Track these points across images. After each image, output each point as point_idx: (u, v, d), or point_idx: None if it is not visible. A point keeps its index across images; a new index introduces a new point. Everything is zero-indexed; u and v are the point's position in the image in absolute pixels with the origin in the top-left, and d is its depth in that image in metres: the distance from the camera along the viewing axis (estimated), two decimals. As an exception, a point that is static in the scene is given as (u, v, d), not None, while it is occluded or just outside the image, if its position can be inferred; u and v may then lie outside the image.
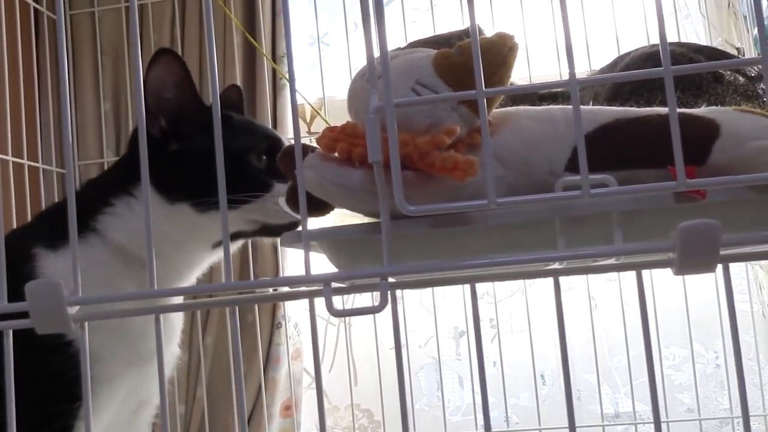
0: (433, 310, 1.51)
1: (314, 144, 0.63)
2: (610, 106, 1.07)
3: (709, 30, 1.54)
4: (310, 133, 1.64)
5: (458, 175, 0.50)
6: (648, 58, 1.06)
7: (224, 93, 0.98)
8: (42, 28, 1.51)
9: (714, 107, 0.61)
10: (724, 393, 1.61)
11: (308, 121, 1.65)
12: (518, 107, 0.63)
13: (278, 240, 1.52)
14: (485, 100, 0.52)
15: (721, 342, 1.49)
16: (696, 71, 0.73)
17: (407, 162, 0.53)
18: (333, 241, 0.58)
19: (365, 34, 0.53)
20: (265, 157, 0.83)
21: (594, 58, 1.55)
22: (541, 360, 1.57)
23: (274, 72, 1.55)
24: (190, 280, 0.83)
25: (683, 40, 1.53)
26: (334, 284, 0.51)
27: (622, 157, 0.57)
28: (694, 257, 0.48)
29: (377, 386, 1.44)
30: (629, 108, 0.62)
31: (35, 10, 1.49)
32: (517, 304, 1.65)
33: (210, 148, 0.73)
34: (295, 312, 1.61)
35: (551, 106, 0.63)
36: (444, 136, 0.52)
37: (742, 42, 1.51)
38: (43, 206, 1.41)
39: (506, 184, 0.57)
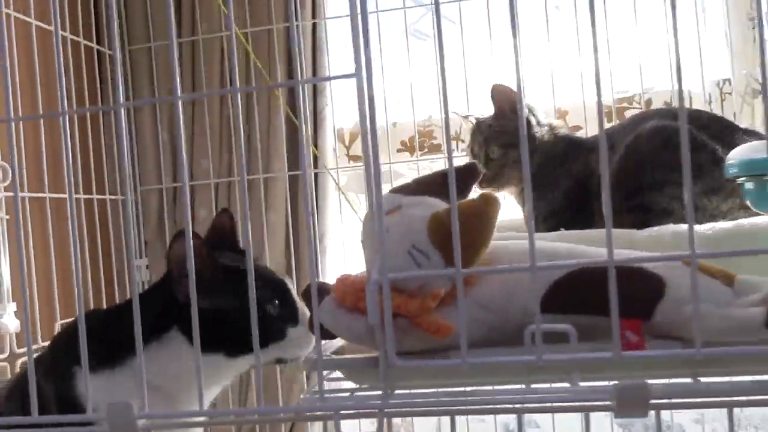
0: None
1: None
2: (618, 177, 1.17)
3: (733, 62, 1.58)
4: (348, 156, 1.76)
5: (439, 336, 0.63)
6: (656, 132, 1.13)
7: (217, 220, 1.09)
8: (105, 65, 1.65)
9: (668, 259, 0.69)
10: None
11: (347, 144, 1.77)
12: (500, 246, 0.74)
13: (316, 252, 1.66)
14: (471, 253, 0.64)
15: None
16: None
17: (403, 313, 0.66)
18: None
19: (369, 197, 0.65)
20: (277, 302, 0.96)
21: (617, 83, 1.61)
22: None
23: (315, 101, 1.67)
24: (210, 399, 0.98)
25: (706, 72, 1.58)
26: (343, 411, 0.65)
27: (585, 305, 0.68)
28: (629, 407, 0.61)
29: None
30: (598, 259, 0.70)
31: (98, 51, 1.64)
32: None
33: (230, 305, 0.88)
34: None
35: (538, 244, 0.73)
36: (430, 302, 0.64)
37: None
38: (111, 234, 1.59)
39: (487, 326, 0.69)
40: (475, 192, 1.45)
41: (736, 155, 0.80)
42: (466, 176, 0.78)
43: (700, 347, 0.58)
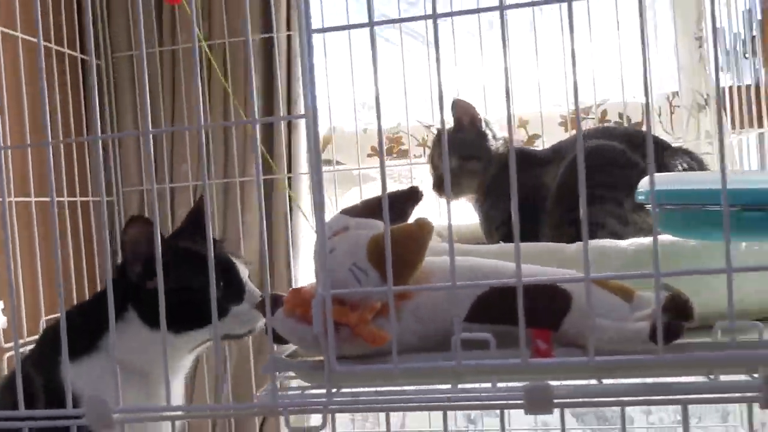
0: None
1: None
2: (560, 191, 1.27)
3: (680, 77, 1.69)
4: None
5: (376, 344, 0.73)
6: (595, 151, 1.23)
7: (194, 207, 1.21)
8: (89, 74, 1.73)
9: (568, 281, 0.78)
10: None
11: (321, 148, 1.86)
12: (435, 261, 0.84)
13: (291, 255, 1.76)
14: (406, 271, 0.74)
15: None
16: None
17: (345, 323, 0.76)
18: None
19: (317, 226, 0.75)
20: (222, 283, 1.05)
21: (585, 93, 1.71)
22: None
23: (288, 108, 1.76)
24: (181, 374, 1.09)
25: (656, 84, 1.68)
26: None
27: (504, 317, 0.78)
28: (536, 405, 0.71)
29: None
30: (509, 280, 0.79)
31: (82, 60, 1.72)
32: None
33: (179, 285, 0.98)
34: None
35: (463, 262, 0.83)
36: (367, 314, 0.74)
37: (710, 91, 1.65)
38: (94, 233, 1.68)
39: (419, 335, 0.79)
40: (437, 201, 1.55)
41: (644, 184, 0.90)
42: (407, 199, 0.87)
43: (594, 356, 0.69)
